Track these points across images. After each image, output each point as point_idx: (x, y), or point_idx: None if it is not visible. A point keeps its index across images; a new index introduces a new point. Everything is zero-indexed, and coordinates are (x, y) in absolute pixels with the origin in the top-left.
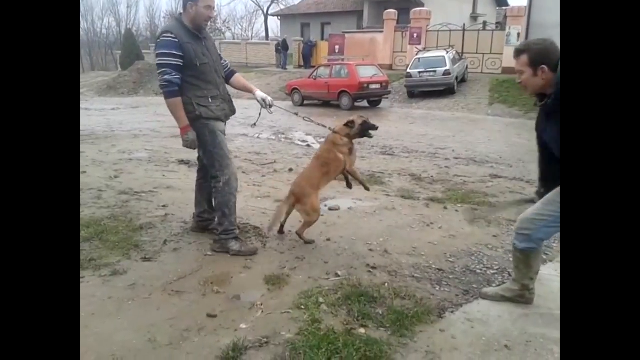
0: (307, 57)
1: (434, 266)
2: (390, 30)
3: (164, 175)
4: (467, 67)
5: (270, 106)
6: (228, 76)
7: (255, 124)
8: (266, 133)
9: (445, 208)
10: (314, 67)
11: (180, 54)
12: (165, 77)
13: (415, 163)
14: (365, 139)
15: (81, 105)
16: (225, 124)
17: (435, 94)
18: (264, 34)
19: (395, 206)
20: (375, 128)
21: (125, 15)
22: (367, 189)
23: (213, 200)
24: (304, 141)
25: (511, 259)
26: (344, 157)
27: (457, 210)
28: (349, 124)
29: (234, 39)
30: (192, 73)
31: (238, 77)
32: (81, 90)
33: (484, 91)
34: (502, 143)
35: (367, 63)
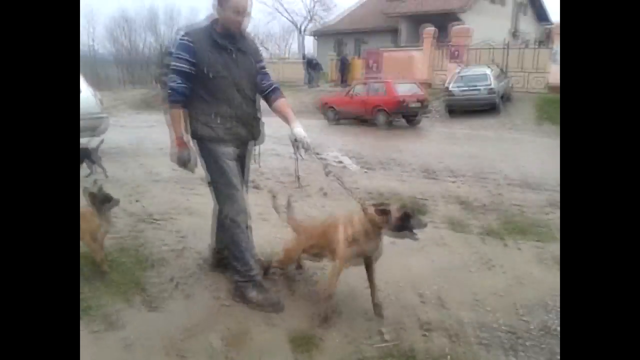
0: (343, 73)
1: (503, 326)
2: (429, 47)
3: (187, 199)
4: (511, 85)
5: (306, 150)
6: (268, 97)
7: (299, 182)
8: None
9: (505, 245)
10: (347, 84)
11: (193, 60)
12: (171, 84)
13: (462, 187)
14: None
15: (116, 122)
16: (241, 147)
17: (478, 112)
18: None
19: (445, 240)
20: (423, 225)
21: (164, 33)
22: (321, 318)
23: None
24: (339, 161)
25: None
26: (341, 240)
27: (519, 248)
28: (383, 213)
29: (270, 57)
30: (202, 84)
31: (281, 103)
32: (118, 106)
33: (530, 110)
34: (557, 167)
35: (405, 80)
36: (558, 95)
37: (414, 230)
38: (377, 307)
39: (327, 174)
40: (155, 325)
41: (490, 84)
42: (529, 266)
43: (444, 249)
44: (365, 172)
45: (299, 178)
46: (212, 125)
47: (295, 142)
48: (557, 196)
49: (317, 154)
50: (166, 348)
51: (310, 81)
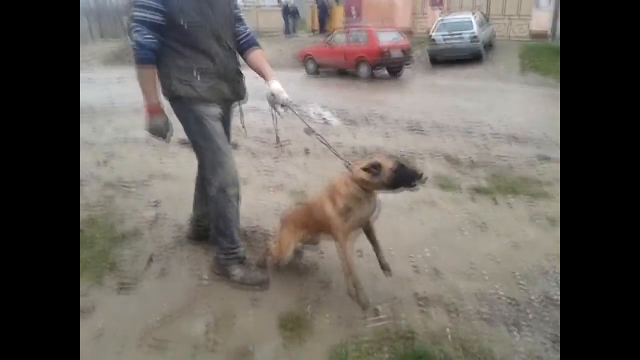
0: (323, 21)
1: (503, 295)
2: None
3: (161, 161)
4: (493, 32)
5: (283, 106)
6: (244, 48)
7: (279, 142)
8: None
9: (496, 202)
10: (327, 32)
11: (161, 7)
12: (137, 38)
13: (448, 141)
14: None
15: (85, 75)
16: (224, 108)
17: (461, 61)
18: None
19: (434, 199)
20: (419, 176)
21: None
22: (361, 304)
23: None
24: (320, 116)
25: None
26: (333, 215)
27: (510, 206)
28: (373, 169)
29: (244, 4)
30: (176, 35)
31: (256, 55)
32: (87, 60)
33: (513, 58)
34: (543, 116)
35: (387, 26)
36: (541, 43)
37: (412, 183)
38: (385, 267)
39: (309, 134)
40: (127, 310)
41: (474, 32)
42: (522, 225)
43: (433, 209)
44: (349, 128)
45: (278, 138)
46: (191, 82)
47: (272, 99)
48: (544, 149)
49: (296, 106)
50: (141, 336)
51: (289, 30)
